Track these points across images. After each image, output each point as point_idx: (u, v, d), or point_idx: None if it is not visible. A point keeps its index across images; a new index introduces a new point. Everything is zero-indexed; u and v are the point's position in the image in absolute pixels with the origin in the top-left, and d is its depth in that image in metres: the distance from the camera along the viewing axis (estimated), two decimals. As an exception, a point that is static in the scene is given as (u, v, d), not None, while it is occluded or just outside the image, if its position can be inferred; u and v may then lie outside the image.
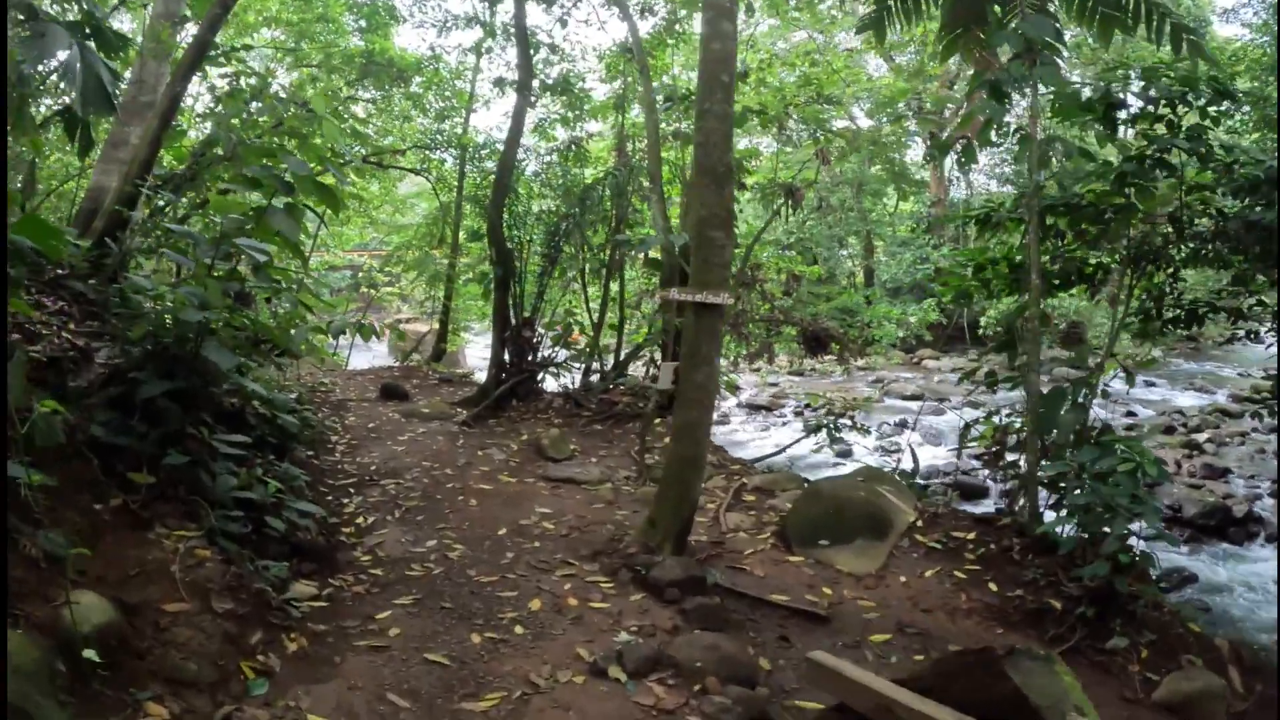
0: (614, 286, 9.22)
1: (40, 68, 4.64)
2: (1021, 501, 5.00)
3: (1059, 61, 5.53)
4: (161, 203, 5.50)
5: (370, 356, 14.31)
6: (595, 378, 8.81)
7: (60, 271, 4.48)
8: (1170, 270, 5.13)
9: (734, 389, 11.85)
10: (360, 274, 13.72)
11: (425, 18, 13.16)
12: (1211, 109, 4.52)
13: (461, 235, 12.57)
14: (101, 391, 3.51)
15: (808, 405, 12.07)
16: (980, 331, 17.22)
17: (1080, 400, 4.60)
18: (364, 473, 5.68)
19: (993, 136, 4.97)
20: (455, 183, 12.92)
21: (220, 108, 6.63)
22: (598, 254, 9.09)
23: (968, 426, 5.80)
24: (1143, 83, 4.59)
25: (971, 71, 6.99)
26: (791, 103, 10.07)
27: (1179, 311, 5.26)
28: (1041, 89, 4.80)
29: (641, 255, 9.27)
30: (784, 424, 11.48)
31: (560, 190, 9.12)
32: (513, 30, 9.45)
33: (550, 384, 8.88)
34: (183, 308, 3.44)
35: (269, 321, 4.46)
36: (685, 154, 9.12)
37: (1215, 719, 3.24)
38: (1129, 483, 3.78)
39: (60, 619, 2.33)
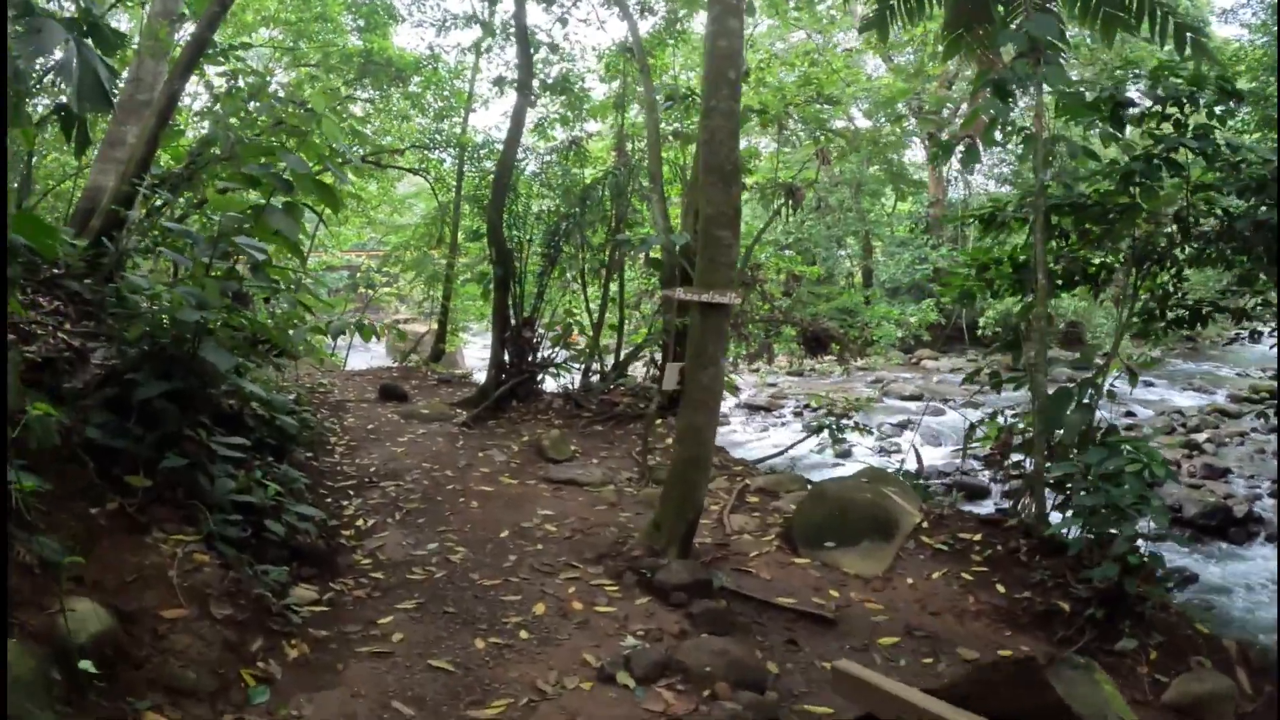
0: (613, 287, 9.18)
1: (36, 66, 4.59)
2: (1025, 501, 4.97)
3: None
4: (159, 202, 5.44)
5: (369, 357, 14.25)
6: (595, 378, 8.77)
7: (56, 271, 4.42)
8: (1174, 270, 5.11)
9: (734, 389, 11.82)
10: (358, 274, 13.65)
11: (424, 17, 13.15)
12: (1218, 108, 4.50)
13: (460, 235, 12.51)
14: (97, 393, 3.45)
15: (808, 406, 12.06)
16: (979, 332, 17.23)
17: (1086, 401, 4.58)
18: (364, 475, 5.63)
19: (997, 136, 4.95)
20: (454, 183, 12.87)
21: (218, 106, 6.57)
22: (597, 254, 9.05)
23: (973, 427, 5.77)
24: (1149, 82, 4.58)
25: (970, 71, 6.98)
26: (792, 102, 10.05)
27: (1182, 312, 5.24)
28: (1045, 88, 4.77)
29: (641, 255, 9.23)
30: (783, 424, 11.46)
31: (560, 190, 9.07)
32: (512, 29, 9.41)
33: (550, 384, 8.83)
34: (180, 307, 3.38)
35: (267, 321, 4.41)
36: (685, 153, 9.08)
37: (1224, 720, 3.22)
38: (1136, 483, 3.76)
39: (56, 627, 2.28)
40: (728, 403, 12.11)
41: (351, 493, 5.23)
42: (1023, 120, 5.28)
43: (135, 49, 6.19)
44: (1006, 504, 5.70)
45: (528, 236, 9.03)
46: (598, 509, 5.09)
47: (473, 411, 7.74)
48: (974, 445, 6.06)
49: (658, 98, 8.81)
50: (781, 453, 8.06)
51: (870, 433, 8.83)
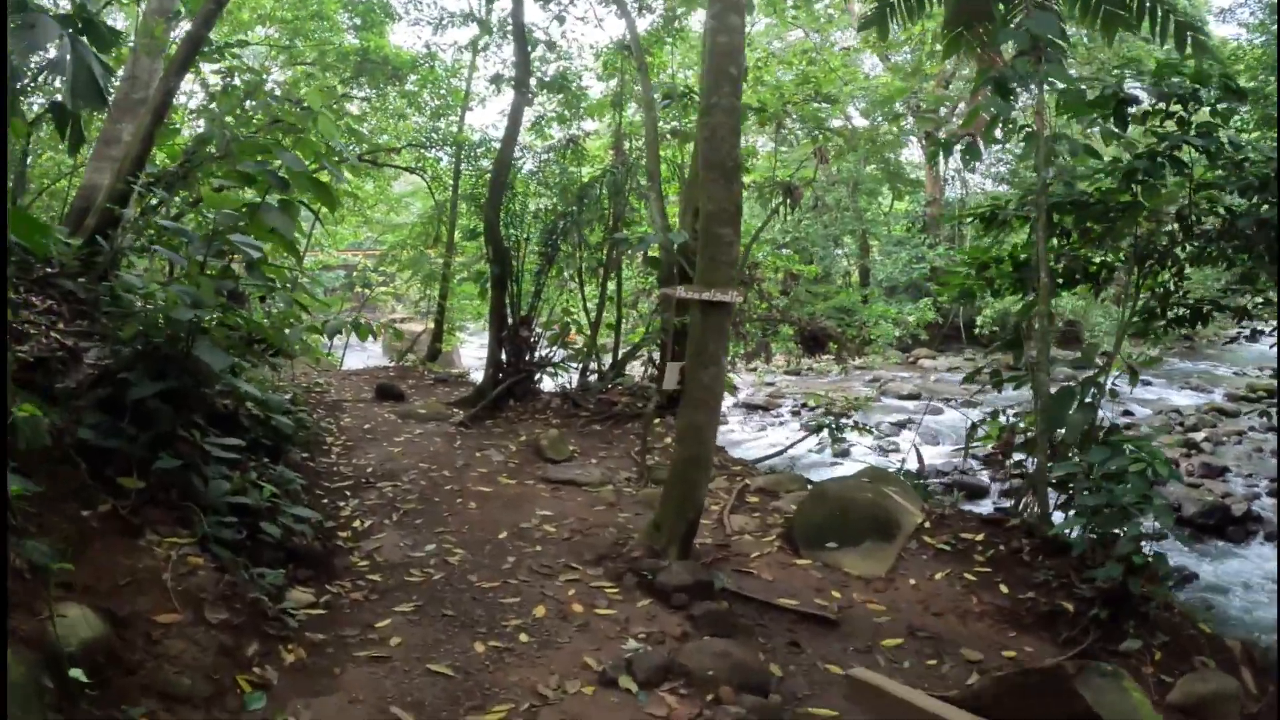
0: (611, 285, 9.15)
1: (30, 63, 4.53)
2: (1027, 501, 4.95)
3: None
4: (154, 200, 5.39)
5: (365, 356, 14.18)
6: (593, 377, 8.73)
7: (50, 269, 4.37)
8: (1175, 269, 5.09)
9: (732, 389, 11.80)
10: (355, 273, 13.59)
11: (421, 15, 13.10)
12: (1221, 106, 4.48)
13: (457, 234, 12.46)
14: (90, 393, 3.40)
15: (806, 405, 12.04)
16: (976, 331, 17.23)
17: (1089, 400, 4.56)
18: (360, 475, 5.58)
19: (997, 134, 4.92)
20: (451, 181, 12.82)
21: (214, 105, 6.52)
22: (595, 253, 9.01)
23: (974, 426, 5.75)
24: (1150, 80, 4.55)
25: (967, 70, 6.96)
26: (789, 101, 10.02)
27: (1183, 310, 5.23)
28: (1046, 86, 4.75)
29: (639, 254, 9.19)
30: (781, 424, 11.44)
31: (557, 189, 9.03)
32: (509, 27, 9.36)
33: (547, 384, 8.79)
34: (175, 306, 3.34)
35: (263, 321, 4.36)
36: (683, 152, 9.05)
37: (1229, 721, 3.20)
38: (1140, 483, 3.74)
39: (46, 632, 2.23)
40: (726, 402, 12.06)
41: (348, 493, 5.18)
42: (1023, 118, 5.25)
43: (131, 46, 6.13)
44: (1005, 503, 5.69)
45: (525, 235, 8.99)
46: (596, 509, 5.05)
47: (470, 411, 7.69)
48: (975, 445, 6.04)
49: (656, 96, 8.78)
50: (780, 452, 8.03)
51: (869, 432, 8.81)
